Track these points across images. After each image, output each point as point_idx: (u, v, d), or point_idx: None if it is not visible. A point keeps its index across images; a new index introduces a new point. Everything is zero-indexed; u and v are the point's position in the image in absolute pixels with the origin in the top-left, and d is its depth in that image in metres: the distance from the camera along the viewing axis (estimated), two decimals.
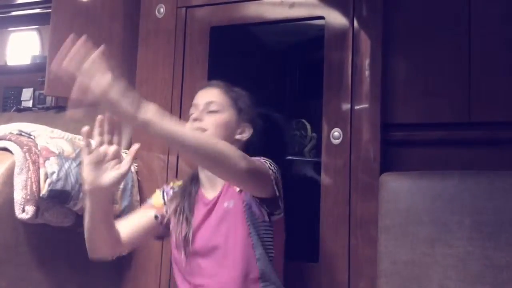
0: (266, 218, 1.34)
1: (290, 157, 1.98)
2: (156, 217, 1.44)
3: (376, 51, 1.60)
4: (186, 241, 1.36)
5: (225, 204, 1.36)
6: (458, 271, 1.33)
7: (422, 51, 1.62)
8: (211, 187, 1.41)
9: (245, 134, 1.45)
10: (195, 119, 1.40)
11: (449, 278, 1.33)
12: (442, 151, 1.58)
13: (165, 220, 1.44)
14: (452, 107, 1.57)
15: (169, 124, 1.10)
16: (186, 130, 1.17)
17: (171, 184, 1.53)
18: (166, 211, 1.45)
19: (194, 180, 1.47)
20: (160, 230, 1.46)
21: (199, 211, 1.40)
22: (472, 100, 1.55)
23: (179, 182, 1.52)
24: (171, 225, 1.43)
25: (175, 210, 1.42)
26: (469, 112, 1.56)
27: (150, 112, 1.08)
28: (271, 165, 1.33)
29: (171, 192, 1.49)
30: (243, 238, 1.32)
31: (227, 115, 1.42)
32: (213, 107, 1.42)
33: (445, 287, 1.33)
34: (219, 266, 1.33)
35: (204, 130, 1.38)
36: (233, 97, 1.45)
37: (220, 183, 1.40)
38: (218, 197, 1.39)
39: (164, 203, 1.47)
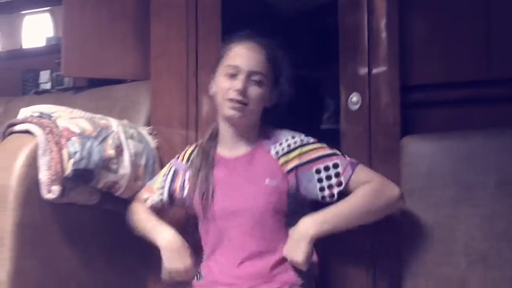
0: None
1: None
2: (146, 199, 1.51)
3: (392, 12, 1.57)
4: (206, 201, 1.39)
5: (267, 181, 1.36)
6: (483, 231, 1.32)
7: (439, 10, 1.58)
8: (233, 147, 1.43)
9: (273, 101, 1.44)
10: (239, 91, 1.36)
11: (475, 238, 1.33)
12: (464, 110, 1.55)
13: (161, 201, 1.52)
14: (472, 65, 1.53)
15: (325, 219, 1.29)
16: (338, 212, 1.31)
17: (181, 156, 1.55)
18: (160, 194, 1.52)
19: (212, 139, 1.48)
20: (164, 208, 1.53)
21: (220, 171, 1.42)
22: (492, 56, 1.51)
23: (191, 148, 1.55)
24: (192, 195, 1.46)
25: (194, 174, 1.45)
26: (489, 69, 1.52)
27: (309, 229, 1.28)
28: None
29: (183, 163, 1.52)
30: (278, 217, 1.36)
31: (267, 88, 1.40)
32: (256, 78, 1.37)
33: (471, 247, 1.33)
34: (246, 234, 1.35)
35: (245, 104, 1.37)
36: (275, 67, 1.41)
37: (245, 144, 1.42)
38: (248, 159, 1.40)
39: (162, 186, 1.53)
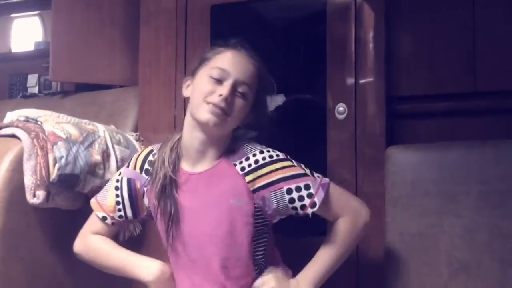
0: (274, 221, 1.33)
1: None
2: (104, 218, 1.37)
3: (379, 24, 1.59)
4: (171, 229, 1.30)
5: (231, 201, 1.27)
6: (466, 241, 1.34)
7: (426, 22, 1.61)
8: (197, 161, 1.31)
9: (247, 119, 1.33)
10: (224, 98, 1.24)
11: (457, 248, 1.34)
12: (448, 122, 1.58)
13: (119, 218, 1.37)
14: (457, 77, 1.56)
15: (319, 275, 1.28)
16: (327, 264, 1.29)
17: (132, 164, 1.39)
18: (119, 210, 1.37)
19: (172, 151, 1.33)
20: (121, 226, 1.42)
21: (184, 192, 1.30)
22: (477, 69, 1.54)
23: (143, 154, 1.39)
24: (157, 212, 1.33)
25: (157, 194, 1.31)
26: (474, 82, 1.55)
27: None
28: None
29: (136, 171, 1.37)
30: (245, 239, 1.28)
31: (249, 102, 1.29)
32: (243, 89, 1.27)
33: (453, 257, 1.34)
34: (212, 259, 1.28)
35: (227, 115, 1.26)
36: (260, 85, 1.31)
37: (209, 158, 1.30)
38: (210, 176, 1.30)
39: (117, 202, 1.37)
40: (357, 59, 1.60)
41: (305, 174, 1.28)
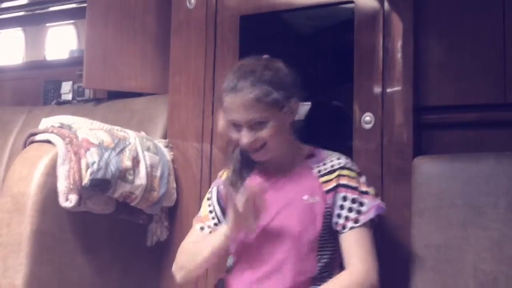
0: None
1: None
2: (202, 228, 1.45)
3: (407, 33, 1.59)
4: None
5: (305, 197, 1.35)
6: (493, 254, 1.32)
7: (454, 33, 1.59)
8: (276, 169, 1.41)
9: (295, 111, 1.39)
10: (247, 144, 1.33)
11: (484, 261, 1.32)
12: (477, 133, 1.56)
13: (214, 225, 1.44)
14: (487, 88, 1.54)
15: None
16: None
17: (221, 176, 1.50)
18: (213, 218, 1.45)
19: (246, 165, 1.43)
20: None
21: (277, 178, 1.39)
22: (507, 81, 1.52)
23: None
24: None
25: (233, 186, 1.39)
26: (504, 93, 1.52)
27: None
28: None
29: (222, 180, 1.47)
30: (313, 237, 1.34)
31: (276, 119, 1.33)
32: (260, 120, 1.32)
33: (480, 269, 1.32)
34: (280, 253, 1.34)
35: (261, 148, 1.35)
36: (270, 97, 1.32)
37: (288, 166, 1.40)
38: (289, 180, 1.39)
39: (210, 211, 1.46)
40: (384, 69, 1.60)
41: (366, 193, 1.37)
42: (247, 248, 1.38)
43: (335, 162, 1.40)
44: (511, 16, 1.53)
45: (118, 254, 1.70)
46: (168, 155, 1.82)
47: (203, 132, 1.82)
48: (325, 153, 1.43)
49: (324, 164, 1.40)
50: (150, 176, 1.69)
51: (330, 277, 1.34)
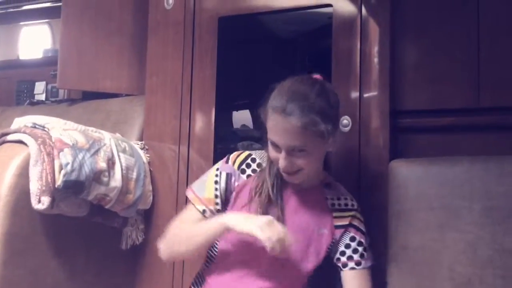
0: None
1: None
2: (204, 211, 1.39)
3: (384, 38, 1.60)
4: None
5: (315, 228, 1.39)
6: (468, 256, 1.34)
7: (430, 37, 1.62)
8: (297, 190, 1.41)
9: (338, 143, 1.37)
10: (284, 167, 1.31)
11: (459, 263, 1.34)
12: (452, 137, 1.58)
13: (216, 211, 1.39)
14: (461, 93, 1.57)
15: None
16: None
17: (231, 160, 1.43)
18: (217, 203, 1.39)
19: (282, 179, 1.39)
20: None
21: (289, 197, 1.40)
22: (481, 85, 1.55)
23: (243, 155, 1.44)
24: (237, 204, 1.39)
25: (257, 188, 1.38)
26: (478, 97, 1.55)
27: None
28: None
29: (234, 168, 1.41)
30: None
31: (317, 150, 1.31)
32: (299, 148, 1.28)
33: (455, 271, 1.34)
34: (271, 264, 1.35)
35: (296, 173, 1.33)
36: (317, 127, 1.26)
37: (309, 189, 1.42)
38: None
39: (216, 195, 1.40)
40: (361, 73, 1.61)
41: (369, 245, 1.43)
42: (238, 252, 1.37)
43: (349, 202, 1.44)
44: (486, 21, 1.56)
45: (93, 258, 1.67)
46: (144, 157, 1.79)
47: (180, 134, 1.81)
48: (342, 188, 1.47)
49: (339, 199, 1.44)
50: (125, 178, 1.66)
51: None
